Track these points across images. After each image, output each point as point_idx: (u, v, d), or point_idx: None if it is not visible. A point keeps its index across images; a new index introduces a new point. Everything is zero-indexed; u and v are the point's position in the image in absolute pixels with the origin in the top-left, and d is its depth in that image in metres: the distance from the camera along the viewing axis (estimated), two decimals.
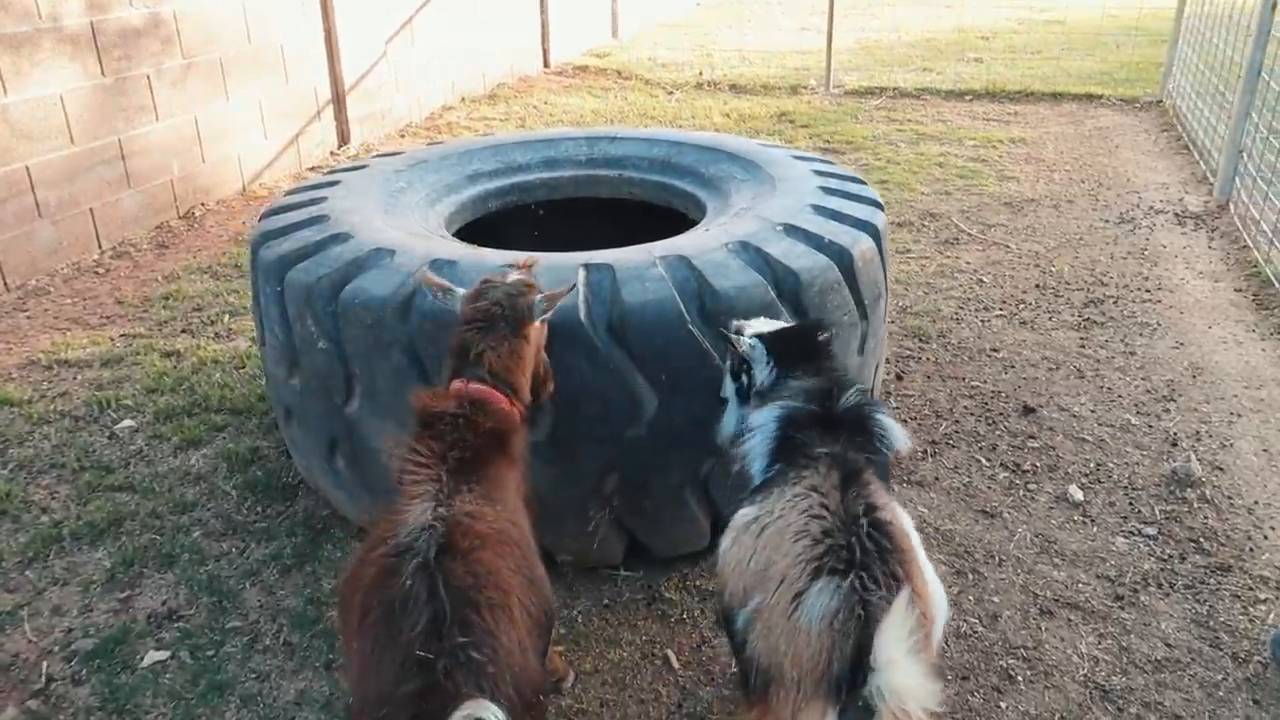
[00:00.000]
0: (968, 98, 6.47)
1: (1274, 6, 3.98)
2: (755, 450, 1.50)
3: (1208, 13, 5.60)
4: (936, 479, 2.38)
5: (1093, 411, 2.67)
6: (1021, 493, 2.33)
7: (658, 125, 5.71)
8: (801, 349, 1.61)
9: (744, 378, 1.64)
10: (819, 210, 2.17)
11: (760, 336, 1.62)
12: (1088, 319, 3.23)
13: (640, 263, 1.92)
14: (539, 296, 1.63)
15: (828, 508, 1.28)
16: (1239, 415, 2.66)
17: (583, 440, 1.87)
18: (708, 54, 8.18)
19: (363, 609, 1.26)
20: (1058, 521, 2.22)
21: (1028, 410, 2.67)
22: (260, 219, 2.40)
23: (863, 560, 1.20)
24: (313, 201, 2.43)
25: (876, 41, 8.60)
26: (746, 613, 1.28)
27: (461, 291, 1.70)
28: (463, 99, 6.32)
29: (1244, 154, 4.12)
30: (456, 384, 1.57)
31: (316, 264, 2.05)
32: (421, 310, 1.84)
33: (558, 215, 2.81)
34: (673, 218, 2.58)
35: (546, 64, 7.36)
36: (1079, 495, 2.29)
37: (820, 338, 1.64)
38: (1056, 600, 1.98)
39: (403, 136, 5.55)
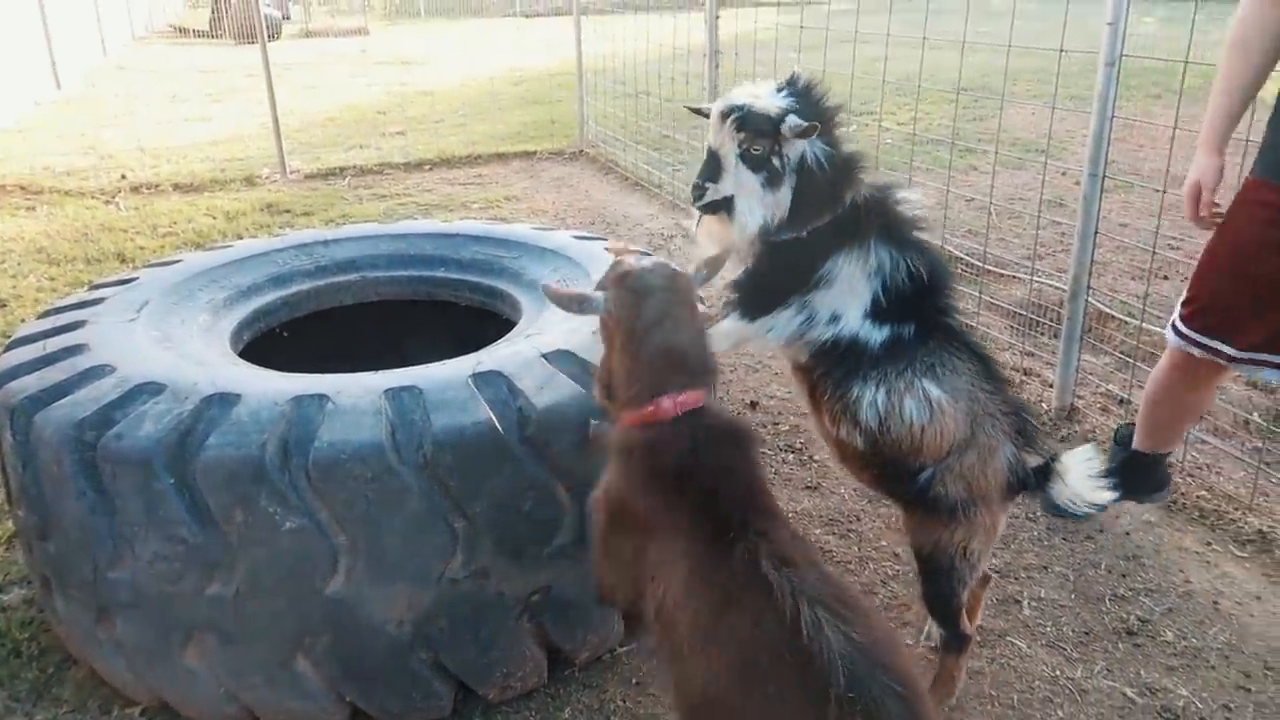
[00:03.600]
0: (427, 167, 6.81)
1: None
2: (847, 304, 1.71)
3: (600, 68, 6.85)
4: None
5: None
6: None
7: (140, 238, 4.99)
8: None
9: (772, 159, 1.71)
10: None
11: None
12: None
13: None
14: (694, 268, 1.58)
15: (983, 391, 1.70)
16: None
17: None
18: (105, 155, 7.21)
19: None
20: None
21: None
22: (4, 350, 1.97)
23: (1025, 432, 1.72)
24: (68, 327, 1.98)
25: (282, 125, 8.44)
26: (940, 468, 1.67)
27: (599, 294, 1.50)
28: None
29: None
30: (665, 403, 1.40)
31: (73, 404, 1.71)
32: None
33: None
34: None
35: None
36: None
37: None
38: None
39: None
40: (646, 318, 1.46)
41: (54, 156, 7.06)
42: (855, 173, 1.76)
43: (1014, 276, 4.02)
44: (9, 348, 2.01)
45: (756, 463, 1.46)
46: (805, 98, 1.74)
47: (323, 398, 1.67)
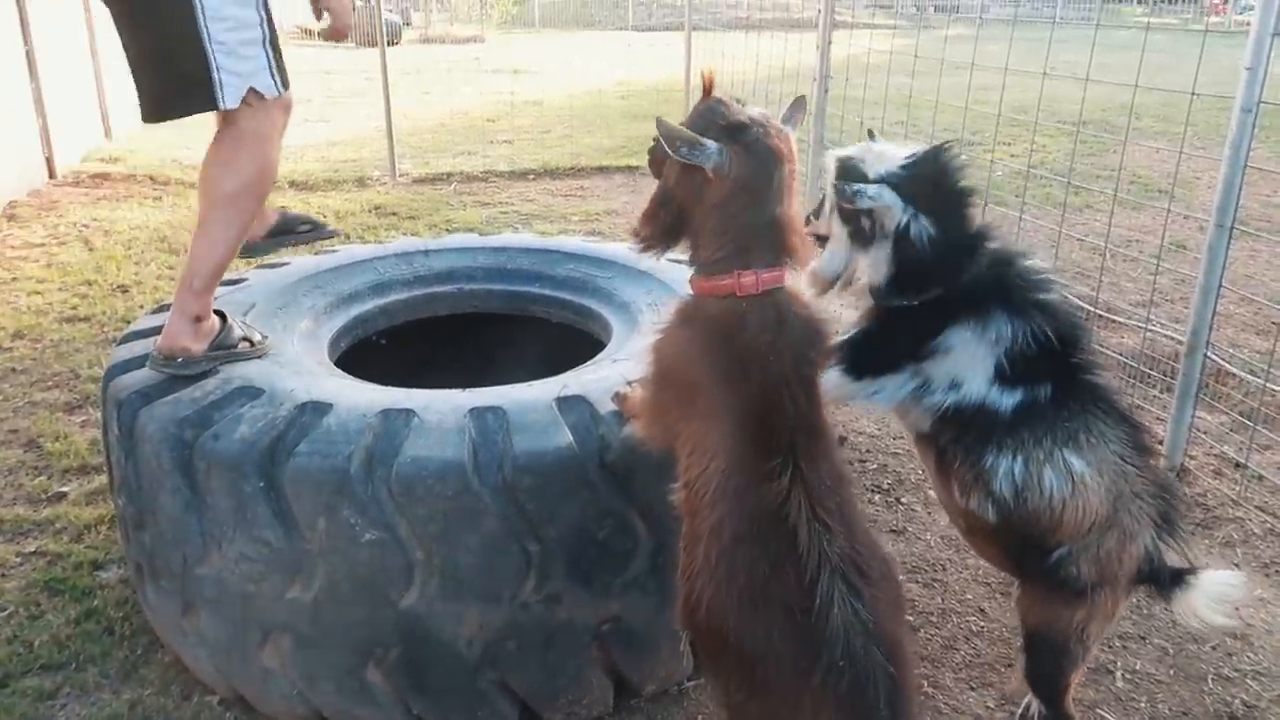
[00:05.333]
0: (530, 177, 6.92)
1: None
2: (967, 372, 1.63)
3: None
4: None
5: None
6: None
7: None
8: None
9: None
10: None
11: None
12: None
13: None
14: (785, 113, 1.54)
15: (1131, 465, 1.61)
16: None
17: None
18: None
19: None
20: None
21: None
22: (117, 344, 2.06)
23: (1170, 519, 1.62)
24: None
25: (395, 129, 8.68)
26: (1076, 547, 1.59)
27: (714, 144, 1.40)
28: None
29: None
30: (747, 279, 1.37)
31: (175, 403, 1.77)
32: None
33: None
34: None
35: (52, 174, 6.17)
36: None
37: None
38: None
39: None
40: (760, 185, 1.41)
41: (181, 150, 7.41)
42: (974, 252, 1.68)
43: (1126, 324, 3.84)
44: (123, 340, 2.11)
45: (822, 363, 1.44)
46: (925, 172, 1.67)
47: (409, 413, 1.70)
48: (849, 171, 1.69)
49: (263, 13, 2.08)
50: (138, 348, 2.01)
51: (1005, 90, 3.59)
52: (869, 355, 1.70)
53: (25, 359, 3.45)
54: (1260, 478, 2.77)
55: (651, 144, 1.55)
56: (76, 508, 2.53)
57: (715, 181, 1.43)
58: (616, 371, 1.90)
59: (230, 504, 1.65)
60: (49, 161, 6.17)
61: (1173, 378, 2.98)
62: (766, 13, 8.67)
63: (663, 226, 1.52)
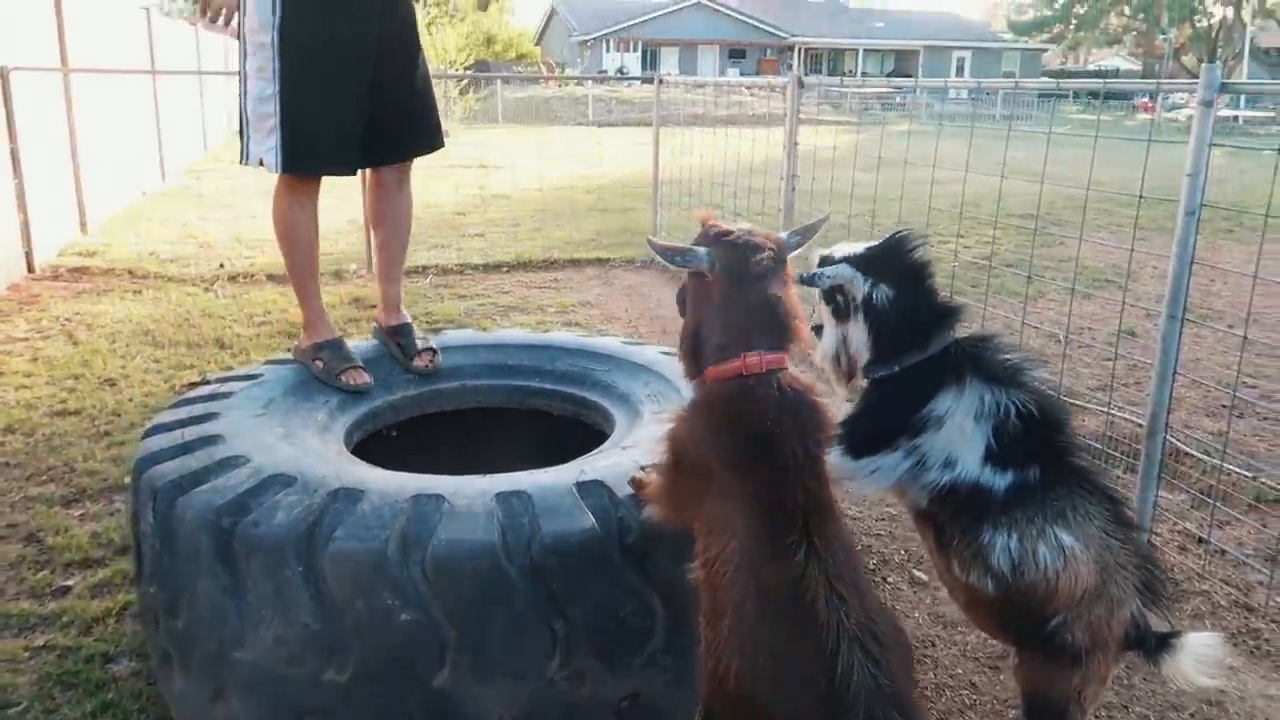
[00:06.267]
0: (504, 269, 7.10)
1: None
2: (960, 449, 1.76)
3: (674, 178, 7.16)
4: None
5: None
6: None
7: (238, 325, 5.27)
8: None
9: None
10: None
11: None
12: None
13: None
14: (787, 234, 1.74)
15: (1115, 539, 1.73)
16: None
17: None
18: (204, 244, 7.65)
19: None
20: None
21: None
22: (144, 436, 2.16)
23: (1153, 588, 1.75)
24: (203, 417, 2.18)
25: (356, 223, 8.85)
26: (1070, 615, 1.69)
27: (701, 249, 1.63)
28: None
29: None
30: (752, 359, 1.53)
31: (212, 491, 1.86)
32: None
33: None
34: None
35: (31, 269, 6.22)
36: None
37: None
38: None
39: None
40: (748, 273, 1.60)
41: (159, 244, 7.52)
42: (940, 315, 1.85)
43: (1088, 407, 4.05)
44: (148, 434, 2.18)
45: (826, 441, 1.58)
46: (882, 250, 1.89)
47: (439, 498, 1.79)
48: (824, 262, 1.90)
49: (278, 106, 2.53)
50: (164, 440, 2.08)
51: (951, 185, 3.85)
52: (865, 432, 1.84)
53: (18, 453, 3.47)
54: (1222, 552, 2.93)
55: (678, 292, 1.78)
56: (83, 601, 2.55)
57: (712, 280, 1.63)
58: (628, 458, 2.02)
59: (269, 588, 1.72)
60: (28, 256, 6.22)
61: (1133, 458, 3.17)
62: (722, 110, 9.06)
63: (694, 345, 1.69)
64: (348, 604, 1.69)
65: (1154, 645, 1.71)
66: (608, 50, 44.36)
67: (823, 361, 1.97)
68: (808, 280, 1.89)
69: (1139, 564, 1.74)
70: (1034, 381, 1.82)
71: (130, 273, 6.46)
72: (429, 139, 2.89)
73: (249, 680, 1.77)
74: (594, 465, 1.98)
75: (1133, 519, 1.84)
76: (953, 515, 1.78)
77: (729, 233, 1.66)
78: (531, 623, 1.72)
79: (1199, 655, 1.66)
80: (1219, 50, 40.95)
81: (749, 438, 1.52)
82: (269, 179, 2.68)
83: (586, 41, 43.52)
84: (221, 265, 6.84)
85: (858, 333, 1.88)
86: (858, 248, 1.92)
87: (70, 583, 2.65)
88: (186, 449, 2.02)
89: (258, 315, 5.54)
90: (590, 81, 28.26)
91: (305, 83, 2.53)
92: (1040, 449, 1.76)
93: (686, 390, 2.36)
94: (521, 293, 6.40)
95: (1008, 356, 1.84)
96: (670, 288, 6.73)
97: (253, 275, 6.59)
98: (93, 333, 4.99)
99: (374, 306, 5.85)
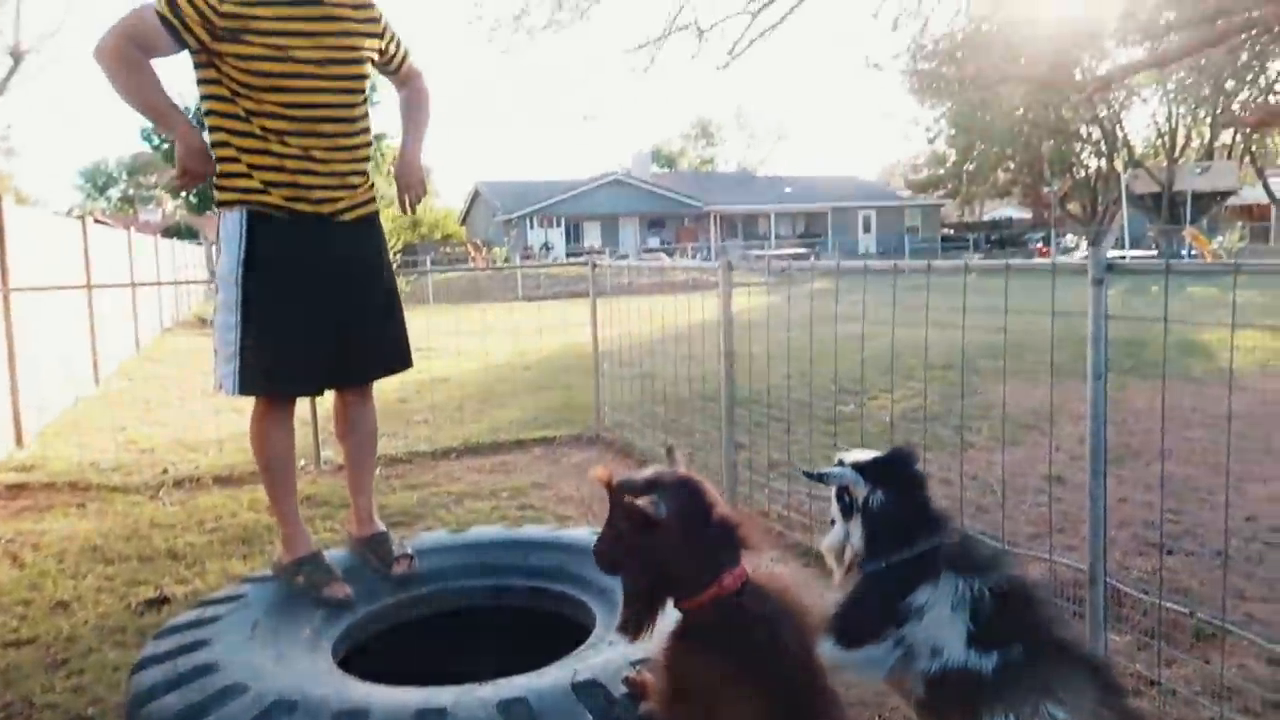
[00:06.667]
0: (452, 456, 7.19)
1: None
2: (944, 636, 1.90)
3: (609, 350, 7.45)
4: None
5: None
6: None
7: (189, 534, 5.23)
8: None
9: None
10: None
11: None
12: None
13: None
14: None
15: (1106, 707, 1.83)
16: None
17: None
18: (145, 449, 7.59)
19: None
20: None
21: None
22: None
23: None
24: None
25: (298, 418, 8.90)
26: None
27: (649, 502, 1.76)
28: None
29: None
30: (727, 579, 1.69)
31: None
32: None
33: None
34: None
35: None
36: None
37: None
38: None
39: None
40: (694, 505, 1.77)
41: (98, 453, 7.44)
42: (929, 521, 2.10)
43: (1030, 554, 4.25)
44: (137, 669, 2.21)
45: (814, 631, 1.72)
46: (885, 460, 2.17)
47: (442, 711, 1.87)
48: (838, 464, 2.19)
49: (237, 336, 2.75)
50: (157, 674, 2.12)
51: (874, 340, 4.16)
52: (853, 621, 1.99)
53: None
54: (1173, 692, 3.09)
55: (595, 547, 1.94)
56: None
57: (664, 524, 1.77)
58: (617, 653, 2.12)
59: None
60: None
61: (1078, 603, 3.34)
62: (646, 278, 9.52)
63: (645, 597, 1.82)
64: None
65: None
66: (531, 227, 46.02)
67: (827, 551, 2.19)
68: (815, 477, 2.12)
69: None
70: (1009, 568, 2.03)
71: (72, 485, 6.38)
72: (397, 361, 3.08)
73: None
74: (586, 664, 2.07)
75: (1121, 686, 1.99)
76: (949, 701, 1.91)
77: (658, 477, 1.85)
78: None
79: None
80: (1099, 197, 44.35)
81: (746, 653, 1.66)
82: (207, 380, 2.94)
83: (510, 220, 45.14)
84: (165, 471, 6.79)
85: (857, 529, 2.10)
86: (865, 455, 2.19)
87: None
88: (182, 680, 2.06)
89: (208, 522, 5.50)
90: (519, 258, 29.23)
91: (265, 313, 2.72)
92: (1020, 627, 1.92)
93: None
94: (472, 479, 6.48)
95: (983, 550, 2.05)
96: (618, 464, 6.88)
97: (199, 479, 6.55)
98: (39, 553, 4.90)
99: (325, 504, 5.87)
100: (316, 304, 2.79)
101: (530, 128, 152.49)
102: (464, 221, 54.40)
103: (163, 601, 4.19)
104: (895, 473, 2.13)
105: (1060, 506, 4.81)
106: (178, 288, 21.42)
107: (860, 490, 2.10)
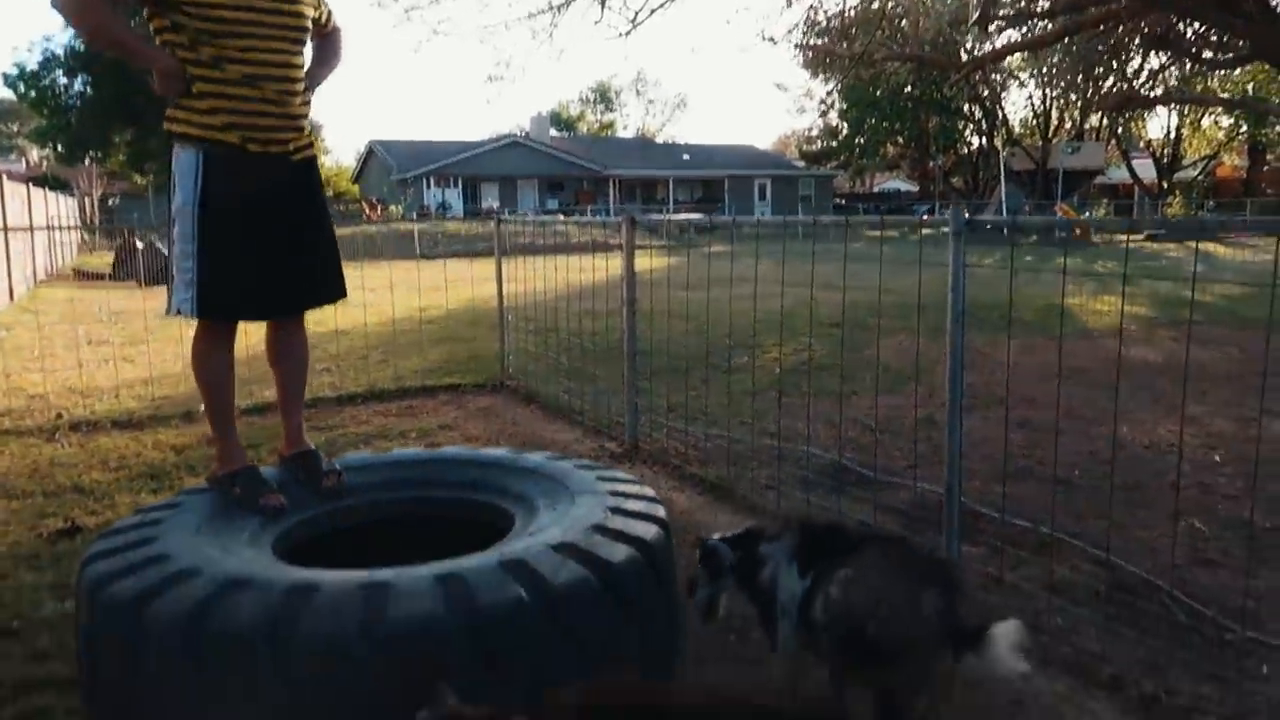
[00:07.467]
0: (358, 401, 7.28)
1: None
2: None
3: (513, 306, 7.67)
4: None
5: None
6: None
7: (94, 472, 5.25)
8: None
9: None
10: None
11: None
12: None
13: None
14: None
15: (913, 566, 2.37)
16: None
17: None
18: (34, 395, 7.43)
19: None
20: None
21: None
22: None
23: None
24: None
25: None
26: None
27: None
28: None
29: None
30: None
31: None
32: None
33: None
34: None
35: None
36: None
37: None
38: None
39: None
40: None
41: None
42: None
43: (901, 483, 4.71)
44: (88, 562, 2.35)
45: None
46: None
47: (386, 584, 2.11)
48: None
49: (195, 264, 2.84)
50: (110, 565, 2.27)
51: (764, 300, 4.51)
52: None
53: None
54: (1015, 587, 3.55)
55: None
56: None
57: None
58: (538, 541, 2.39)
59: (241, 677, 1.96)
60: None
61: (938, 522, 3.79)
62: (548, 239, 9.70)
63: None
64: (315, 682, 1.96)
65: (967, 639, 2.20)
66: (428, 187, 45.24)
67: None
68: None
69: (941, 578, 2.27)
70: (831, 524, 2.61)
71: None
72: (332, 291, 3.25)
73: None
74: (511, 548, 2.34)
75: (925, 546, 2.41)
76: (815, 631, 2.35)
77: None
78: (475, 681, 2.03)
79: (1008, 641, 2.15)
80: (980, 173, 46.37)
81: None
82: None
83: (407, 179, 44.27)
84: (60, 415, 6.69)
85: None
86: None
87: None
88: (135, 568, 2.23)
89: (111, 461, 5.51)
90: (415, 216, 28.81)
91: (219, 244, 2.88)
92: (829, 549, 2.42)
93: (574, 486, 2.78)
94: (379, 421, 6.62)
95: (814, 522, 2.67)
96: (523, 409, 7.12)
97: (95, 423, 6.50)
98: None
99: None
100: (267, 237, 2.95)
101: (427, 88, 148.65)
102: (357, 180, 53.04)
103: (74, 530, 4.25)
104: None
105: (930, 444, 5.30)
106: (50, 239, 20.44)
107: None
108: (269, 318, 3.19)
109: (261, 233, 2.95)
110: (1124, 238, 24.03)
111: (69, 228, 21.04)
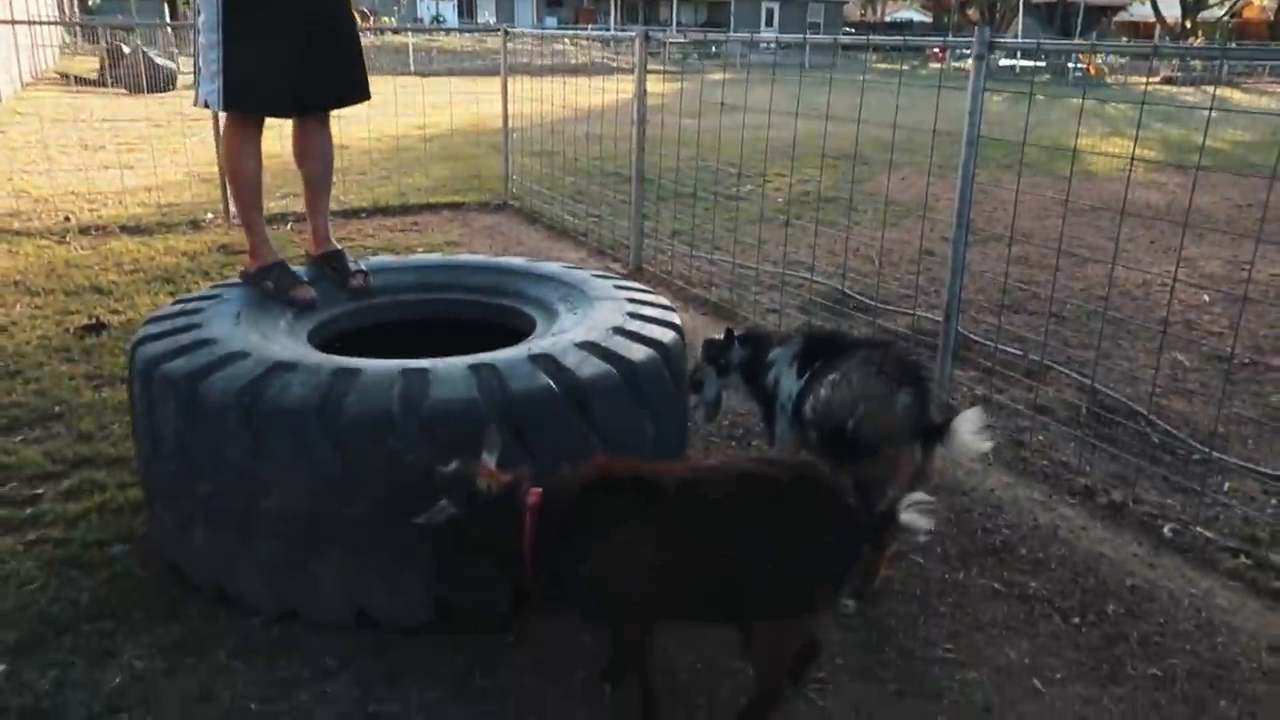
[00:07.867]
0: (363, 215, 7.32)
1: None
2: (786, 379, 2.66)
3: (516, 126, 7.59)
4: None
5: None
6: None
7: (110, 273, 5.35)
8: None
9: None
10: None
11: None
12: None
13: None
14: None
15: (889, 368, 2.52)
16: None
17: None
18: (38, 199, 7.42)
19: None
20: None
21: None
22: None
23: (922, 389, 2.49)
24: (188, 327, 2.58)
25: (207, 174, 8.75)
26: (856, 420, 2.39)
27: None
28: None
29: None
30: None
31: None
32: None
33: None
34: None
35: None
36: None
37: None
38: None
39: None
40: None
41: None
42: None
43: (899, 311, 4.87)
44: (139, 344, 2.48)
45: None
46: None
47: (424, 370, 2.25)
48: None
49: (220, 54, 2.88)
50: (161, 346, 2.40)
51: (775, 129, 4.49)
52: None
53: None
54: (1002, 406, 3.77)
55: None
56: (59, 504, 2.83)
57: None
58: (562, 340, 2.53)
59: (293, 448, 2.14)
60: None
61: (934, 347, 3.96)
62: (545, 60, 9.44)
63: None
64: (362, 454, 2.14)
65: (937, 431, 2.38)
66: None
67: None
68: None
69: (913, 379, 2.42)
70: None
71: None
72: (358, 90, 3.25)
73: (278, 521, 2.19)
74: (539, 345, 2.48)
75: (905, 351, 2.61)
76: (806, 425, 2.54)
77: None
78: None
79: (973, 427, 2.32)
80: (998, 4, 44.41)
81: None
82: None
83: None
84: (68, 219, 6.72)
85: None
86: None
87: (39, 491, 2.91)
88: (187, 349, 2.37)
89: (125, 264, 5.60)
90: (409, 30, 27.62)
91: (244, 35, 2.87)
92: (825, 352, 2.61)
93: (592, 293, 2.91)
94: (385, 235, 6.68)
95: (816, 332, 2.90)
96: (527, 228, 7.17)
97: (104, 228, 6.54)
98: None
99: (240, 252, 5.99)
100: (292, 31, 2.93)
101: None
102: None
103: (100, 327, 4.40)
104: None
105: (930, 274, 5.42)
106: (33, 37, 19.64)
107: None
108: (295, 114, 3.20)
109: (286, 26, 2.93)
110: (1140, 80, 23.38)
111: (50, 22, 20.16)
